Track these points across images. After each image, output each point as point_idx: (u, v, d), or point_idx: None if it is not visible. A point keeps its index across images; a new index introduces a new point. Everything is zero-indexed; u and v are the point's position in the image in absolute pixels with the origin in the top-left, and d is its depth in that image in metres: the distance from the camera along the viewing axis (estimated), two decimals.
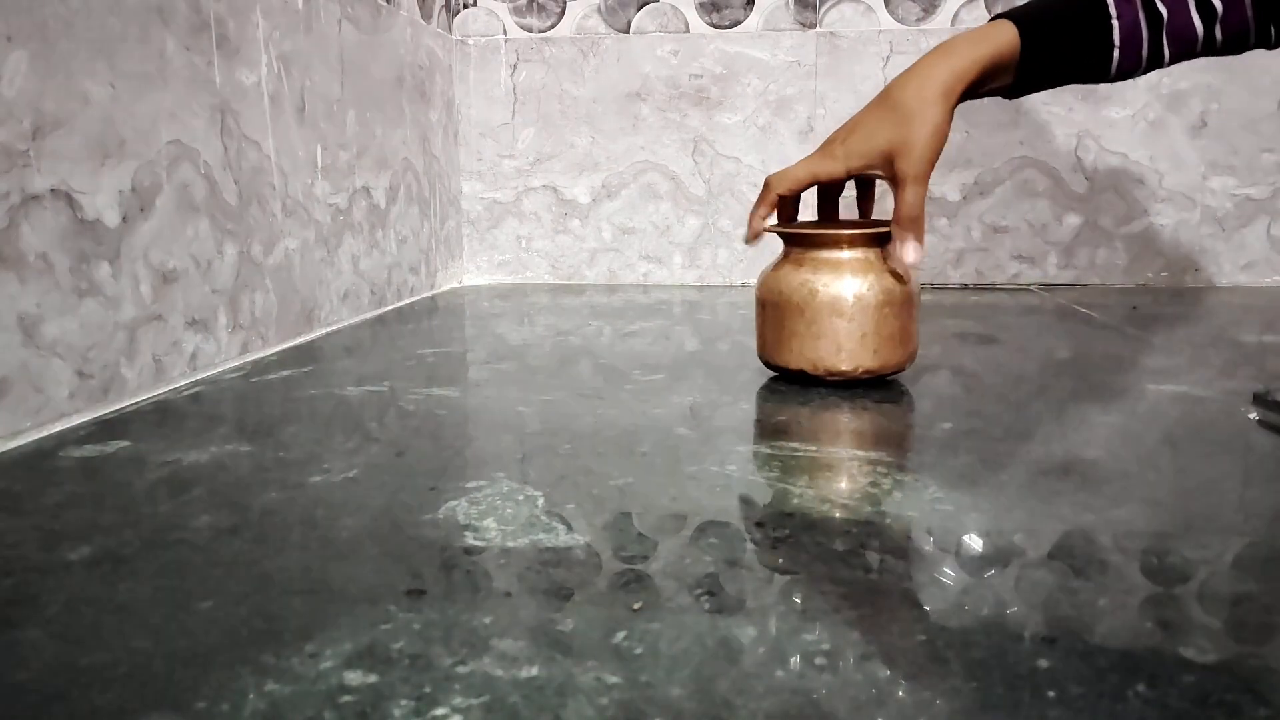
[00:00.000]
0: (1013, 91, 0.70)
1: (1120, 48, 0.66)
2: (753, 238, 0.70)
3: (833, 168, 0.67)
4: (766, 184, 0.69)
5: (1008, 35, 0.66)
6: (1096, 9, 0.67)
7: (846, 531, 0.42)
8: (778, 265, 0.70)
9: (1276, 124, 1.25)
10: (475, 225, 1.40)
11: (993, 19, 0.68)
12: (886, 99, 0.66)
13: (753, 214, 0.70)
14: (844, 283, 0.64)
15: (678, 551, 0.40)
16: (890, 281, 0.65)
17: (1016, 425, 0.60)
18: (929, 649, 0.32)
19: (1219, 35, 0.67)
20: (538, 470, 0.51)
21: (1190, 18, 0.66)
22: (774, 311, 0.69)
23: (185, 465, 0.52)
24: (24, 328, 0.56)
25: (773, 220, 0.71)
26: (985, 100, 0.73)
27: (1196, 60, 0.73)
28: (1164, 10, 0.66)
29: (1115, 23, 0.66)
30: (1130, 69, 0.68)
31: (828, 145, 0.68)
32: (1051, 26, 0.67)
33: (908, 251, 0.64)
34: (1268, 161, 1.27)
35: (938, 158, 0.65)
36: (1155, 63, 0.68)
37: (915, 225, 0.64)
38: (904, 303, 0.66)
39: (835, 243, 0.66)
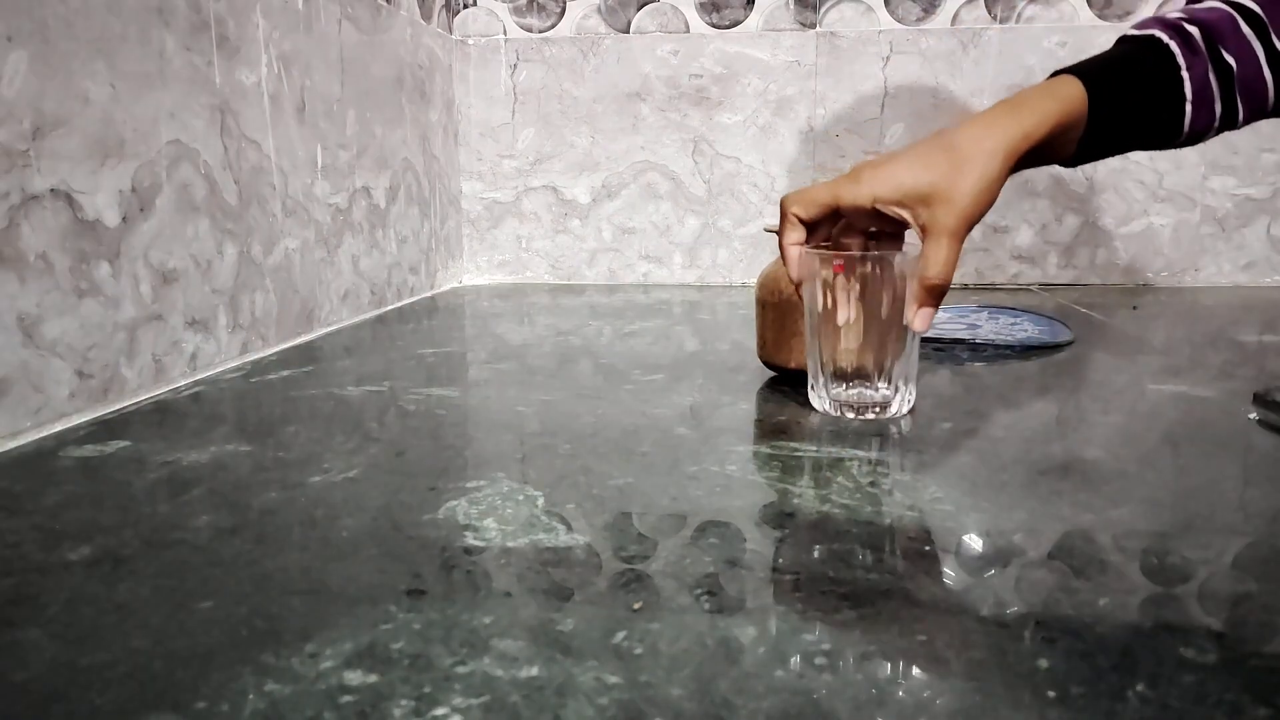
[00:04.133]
0: (1075, 159, 0.63)
1: (1193, 101, 0.61)
2: (788, 267, 0.61)
3: (856, 194, 0.57)
4: (781, 204, 0.61)
5: (1075, 91, 0.59)
6: (1164, 59, 0.61)
7: (846, 531, 0.42)
8: (777, 267, 0.70)
9: (1277, 124, 1.25)
10: (475, 225, 1.40)
11: (1053, 75, 0.62)
12: (940, 138, 0.58)
13: (781, 240, 0.61)
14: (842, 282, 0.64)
15: (678, 551, 0.40)
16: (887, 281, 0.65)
17: (1016, 425, 0.60)
18: (929, 649, 0.32)
19: None
20: (538, 470, 0.51)
21: (1260, 69, 0.61)
22: (774, 312, 0.69)
23: (185, 465, 0.52)
24: (24, 328, 0.56)
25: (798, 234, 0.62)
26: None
27: None
28: (1232, 61, 0.61)
29: (1185, 74, 0.61)
30: (1202, 128, 0.62)
31: (856, 170, 0.59)
32: (1119, 77, 0.61)
33: (918, 319, 0.57)
34: (1268, 161, 1.27)
35: (981, 216, 0.57)
36: (1229, 120, 0.62)
37: (935, 293, 0.57)
38: (904, 301, 0.66)
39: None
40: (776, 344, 0.69)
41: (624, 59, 1.32)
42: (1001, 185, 0.57)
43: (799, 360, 0.67)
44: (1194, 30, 0.62)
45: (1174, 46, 0.62)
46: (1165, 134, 0.63)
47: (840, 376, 0.62)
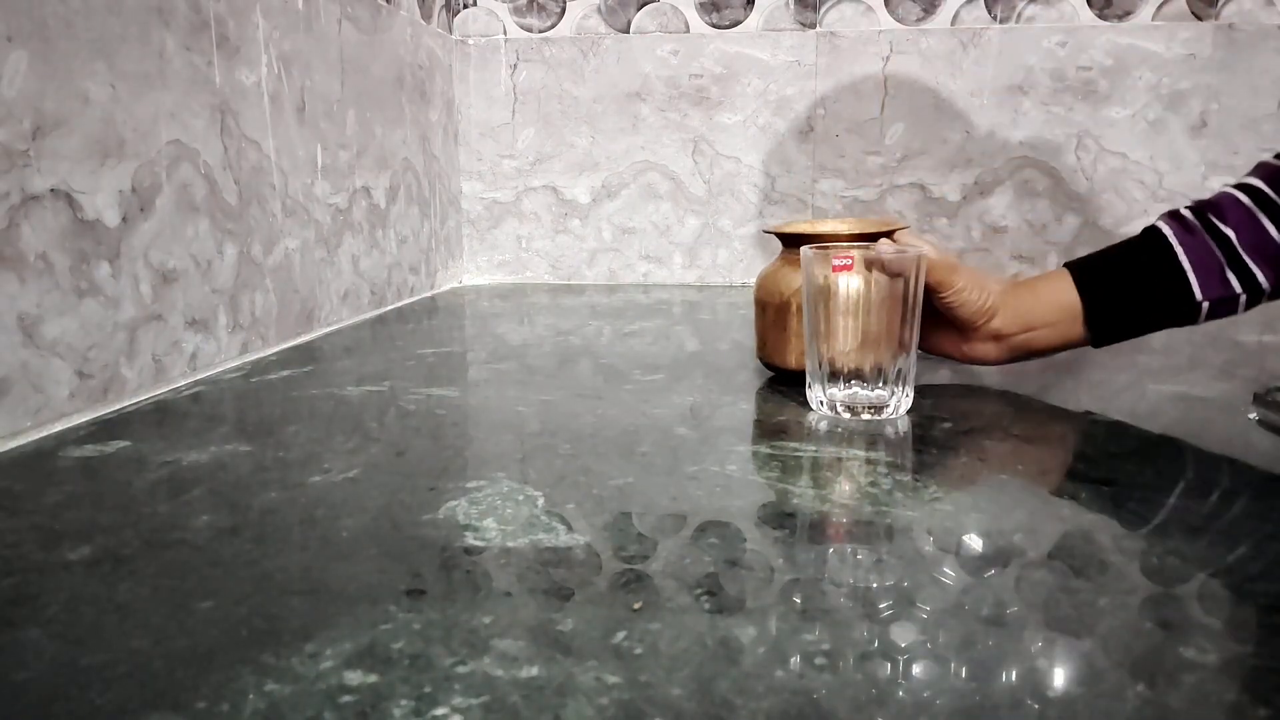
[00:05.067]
0: (1096, 341, 0.69)
1: (1195, 273, 0.65)
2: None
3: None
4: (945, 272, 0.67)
5: (1064, 283, 0.68)
6: (1156, 240, 0.67)
7: (846, 531, 0.42)
8: (776, 268, 0.70)
9: (1276, 124, 1.25)
10: (475, 225, 1.40)
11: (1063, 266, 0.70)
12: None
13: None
14: (841, 282, 0.64)
15: (678, 551, 0.40)
16: (887, 282, 0.65)
17: (1016, 425, 0.60)
18: (929, 649, 0.32)
19: None
20: (538, 470, 0.51)
21: (1267, 234, 0.65)
22: (774, 314, 0.69)
23: (185, 465, 0.52)
24: (24, 328, 0.56)
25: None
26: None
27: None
28: (1230, 231, 0.65)
29: (1178, 248, 0.66)
30: (1223, 297, 0.66)
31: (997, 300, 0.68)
32: (1111, 262, 0.68)
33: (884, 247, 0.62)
34: None
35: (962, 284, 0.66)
36: (1254, 289, 0.66)
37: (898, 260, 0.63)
38: (903, 302, 0.66)
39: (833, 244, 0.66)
40: (776, 345, 0.69)
41: (624, 59, 1.32)
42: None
43: (799, 360, 0.67)
44: (1188, 213, 0.68)
45: (1166, 228, 0.67)
46: (1181, 310, 0.67)
47: (839, 376, 0.62)
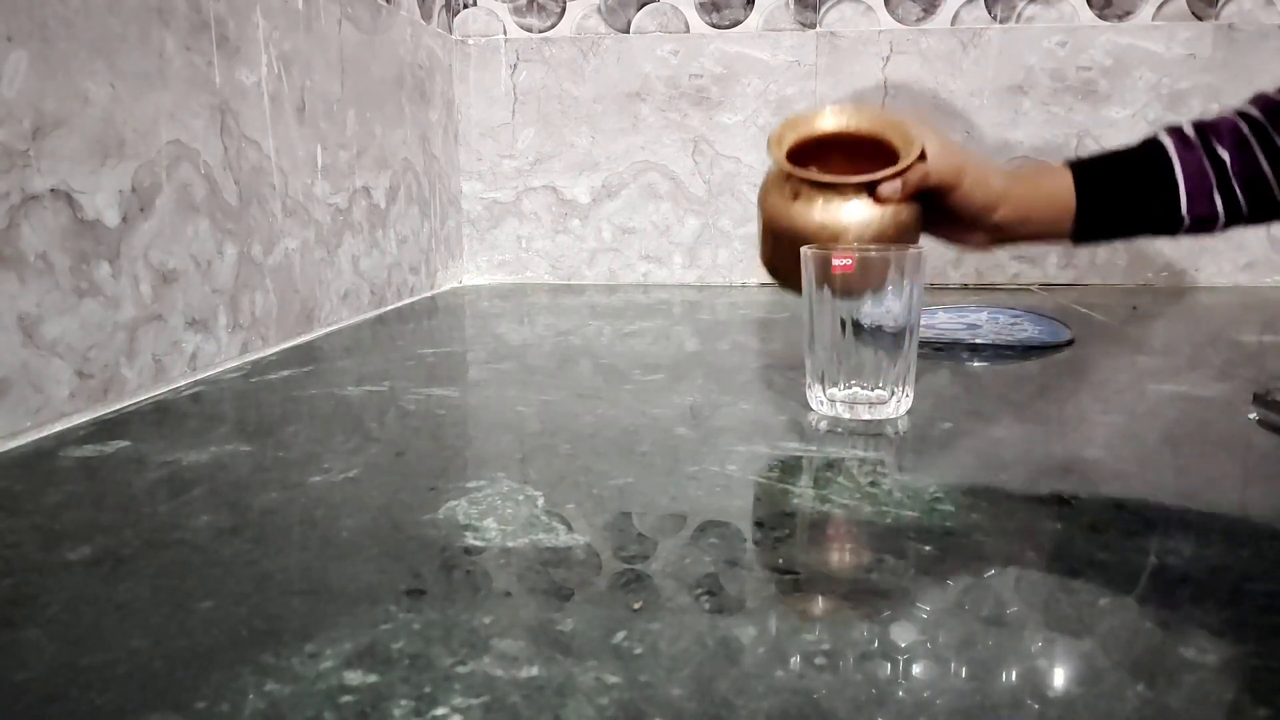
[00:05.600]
0: (1077, 238, 0.72)
1: (1187, 190, 0.69)
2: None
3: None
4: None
5: (1062, 180, 0.70)
6: (1157, 152, 0.70)
7: (846, 531, 0.42)
8: (787, 196, 0.69)
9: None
10: (475, 225, 1.40)
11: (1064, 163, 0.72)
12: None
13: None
14: (853, 209, 0.66)
15: (678, 551, 0.40)
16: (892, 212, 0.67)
17: (1016, 425, 0.60)
18: (929, 649, 0.32)
19: None
20: (538, 470, 0.51)
21: (1259, 165, 0.68)
22: (788, 246, 0.69)
23: (185, 465, 0.52)
24: (24, 328, 0.56)
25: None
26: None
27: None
28: (1225, 155, 0.68)
29: (1177, 164, 0.69)
30: (1204, 217, 0.70)
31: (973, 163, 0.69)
32: (1111, 166, 0.70)
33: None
34: None
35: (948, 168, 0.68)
36: (1234, 213, 0.70)
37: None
38: (910, 228, 0.68)
39: (844, 190, 0.67)
40: (792, 271, 0.69)
41: (624, 59, 1.32)
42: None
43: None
44: (1190, 130, 0.71)
45: (1167, 141, 0.70)
46: (1165, 219, 0.71)
47: (838, 377, 0.62)
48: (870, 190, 0.67)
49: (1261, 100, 0.70)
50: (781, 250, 0.70)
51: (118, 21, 0.64)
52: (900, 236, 0.67)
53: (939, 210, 0.70)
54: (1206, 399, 0.66)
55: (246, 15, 0.80)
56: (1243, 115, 0.70)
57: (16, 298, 0.56)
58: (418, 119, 1.21)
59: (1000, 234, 0.71)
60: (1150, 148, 0.71)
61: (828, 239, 0.67)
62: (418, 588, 0.37)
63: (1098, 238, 0.72)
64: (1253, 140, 0.69)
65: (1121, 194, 0.70)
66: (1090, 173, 0.71)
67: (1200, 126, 0.71)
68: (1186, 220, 0.70)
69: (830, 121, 0.72)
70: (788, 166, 0.69)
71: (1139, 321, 1.00)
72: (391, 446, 0.56)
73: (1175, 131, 0.71)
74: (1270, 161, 0.68)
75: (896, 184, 0.65)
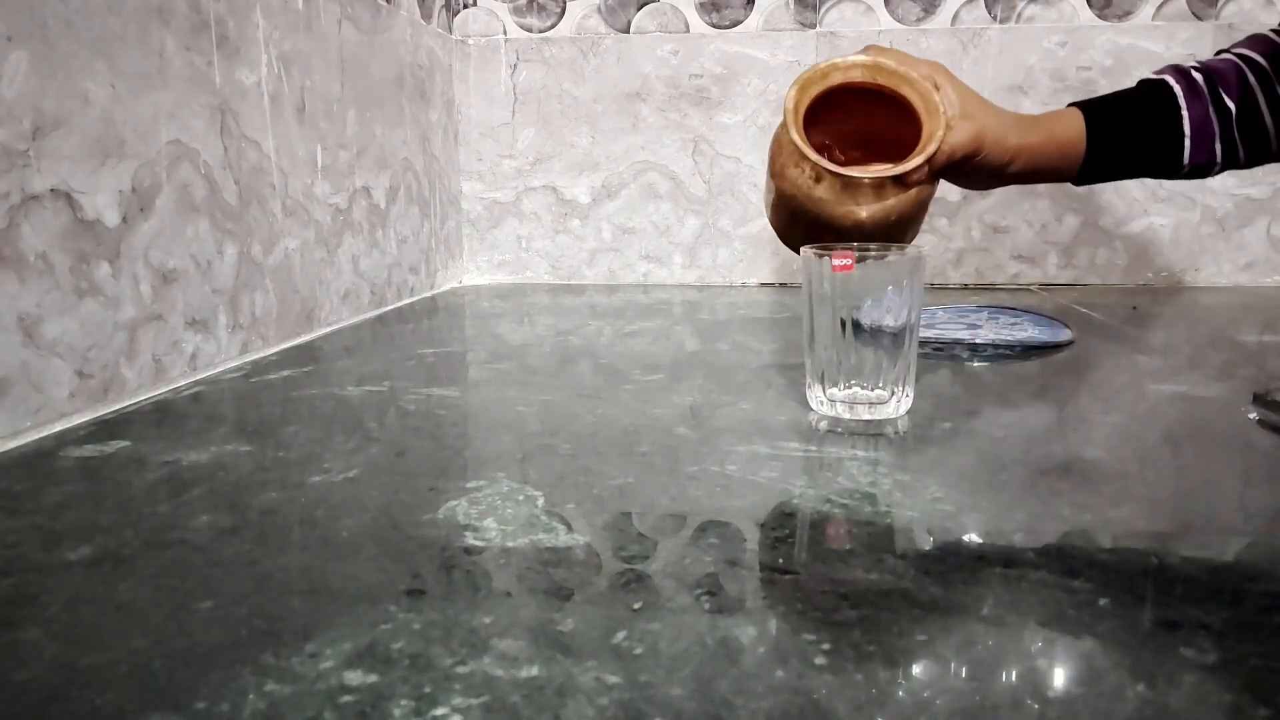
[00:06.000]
0: (1080, 179, 0.73)
1: (1191, 137, 0.70)
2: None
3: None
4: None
5: (1074, 120, 0.71)
6: (1166, 98, 0.70)
7: (846, 531, 0.42)
8: (811, 178, 0.70)
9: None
10: (475, 225, 1.40)
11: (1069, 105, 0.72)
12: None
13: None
14: (877, 195, 0.68)
15: (678, 551, 0.40)
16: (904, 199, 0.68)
17: (1016, 425, 0.60)
18: (929, 649, 0.32)
19: None
20: (538, 470, 0.51)
21: (1261, 114, 0.69)
22: (805, 219, 0.70)
23: (185, 465, 0.52)
24: (24, 328, 0.56)
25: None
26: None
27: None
28: (1232, 104, 0.69)
29: (1185, 112, 0.70)
30: (1203, 163, 0.71)
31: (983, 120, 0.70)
32: (1121, 110, 0.71)
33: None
34: None
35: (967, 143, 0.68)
36: (1230, 159, 0.71)
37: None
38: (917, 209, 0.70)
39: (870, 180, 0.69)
40: (801, 240, 0.69)
41: (624, 59, 1.32)
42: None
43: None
44: (1198, 76, 0.71)
45: (1177, 88, 0.71)
46: (1166, 165, 0.72)
47: (838, 375, 0.62)
48: (896, 178, 0.67)
49: (1263, 42, 0.71)
50: (797, 227, 0.71)
51: (117, 21, 0.64)
52: (920, 211, 0.69)
53: (953, 165, 0.71)
54: (1206, 399, 0.66)
55: (246, 15, 0.80)
56: (1247, 60, 0.71)
57: (16, 298, 0.56)
58: (418, 119, 1.21)
59: (1009, 183, 0.73)
60: (1159, 94, 0.71)
61: (850, 225, 0.68)
62: (418, 588, 0.37)
63: (1096, 180, 0.74)
64: (1257, 89, 0.69)
65: (1129, 142, 0.71)
66: (1101, 121, 0.71)
67: (1206, 73, 0.71)
68: (1186, 167, 0.71)
69: (844, 76, 0.72)
70: (814, 156, 0.69)
71: (1139, 321, 1.00)
72: (391, 446, 0.56)
73: (1183, 76, 0.71)
74: (1272, 111, 0.69)
75: (924, 171, 0.66)
